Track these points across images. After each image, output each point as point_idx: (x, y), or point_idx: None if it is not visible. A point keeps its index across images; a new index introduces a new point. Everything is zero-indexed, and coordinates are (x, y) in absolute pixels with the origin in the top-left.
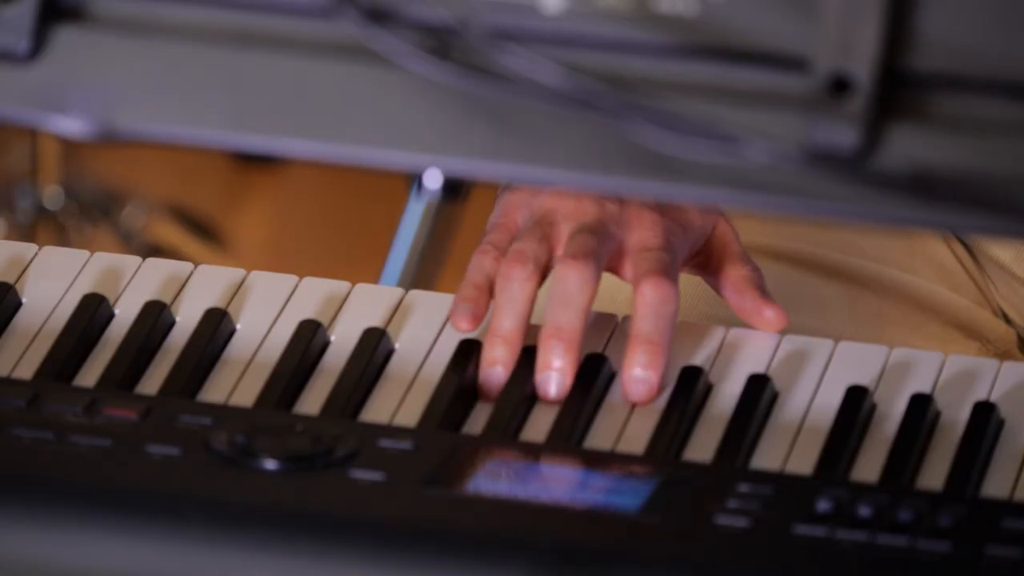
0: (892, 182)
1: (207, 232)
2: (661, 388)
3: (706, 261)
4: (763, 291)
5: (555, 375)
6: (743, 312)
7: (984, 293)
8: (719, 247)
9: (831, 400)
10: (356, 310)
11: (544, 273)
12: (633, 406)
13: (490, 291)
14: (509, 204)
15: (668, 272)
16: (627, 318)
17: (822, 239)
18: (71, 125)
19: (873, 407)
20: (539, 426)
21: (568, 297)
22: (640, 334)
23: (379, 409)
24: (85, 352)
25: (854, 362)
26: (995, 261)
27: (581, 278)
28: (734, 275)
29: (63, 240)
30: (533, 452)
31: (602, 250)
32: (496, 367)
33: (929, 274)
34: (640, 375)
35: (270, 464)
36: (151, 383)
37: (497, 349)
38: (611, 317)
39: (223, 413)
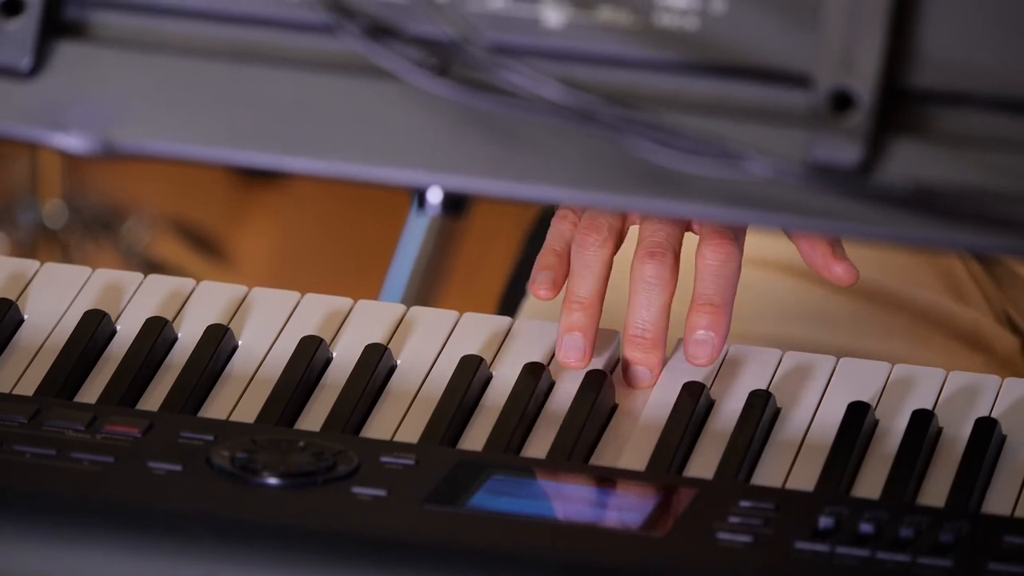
0: (893, 198)
1: (209, 247)
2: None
3: None
4: (836, 246)
5: (643, 370)
6: (813, 264)
7: (988, 298)
8: None
9: (833, 416)
10: (358, 326)
11: (619, 238)
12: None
13: (569, 258)
14: None
15: (729, 230)
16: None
17: None
18: (72, 142)
19: (875, 423)
20: (541, 442)
21: (649, 298)
22: (701, 296)
23: (381, 425)
24: (87, 368)
25: (856, 378)
26: (1011, 271)
27: (659, 275)
28: None
29: (65, 256)
30: (535, 468)
31: (675, 232)
32: (575, 333)
33: (933, 282)
34: (702, 336)
35: (272, 480)
36: (153, 399)
37: (575, 315)
38: (614, 333)
39: (225, 429)
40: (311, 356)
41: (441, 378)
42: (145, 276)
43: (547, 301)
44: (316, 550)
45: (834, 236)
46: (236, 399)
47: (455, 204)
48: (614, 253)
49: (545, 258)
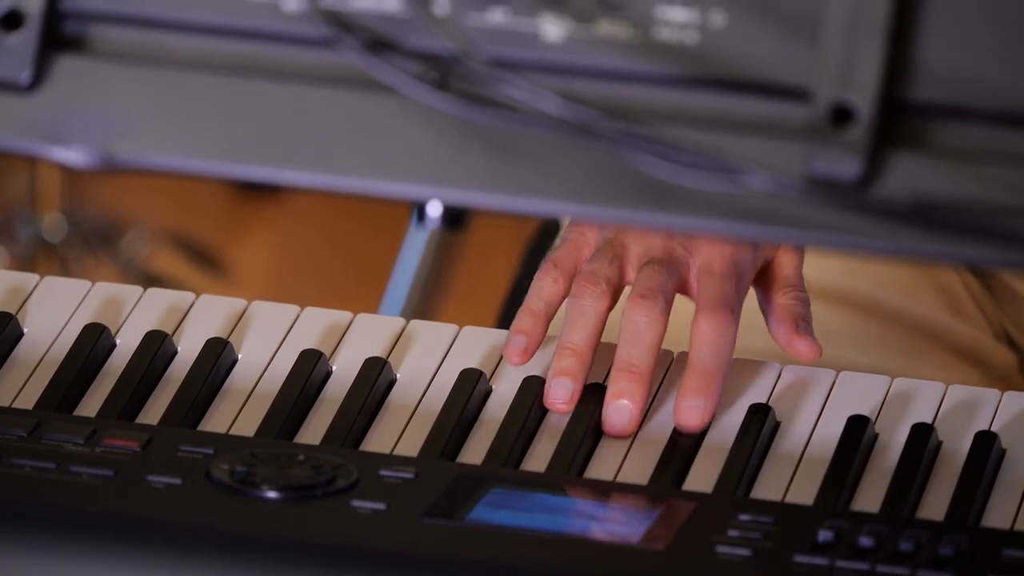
0: (893, 212)
1: (208, 261)
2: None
3: (762, 278)
4: (800, 322)
5: (626, 406)
6: (777, 339)
7: (986, 314)
8: (775, 269)
9: (832, 430)
10: (357, 340)
11: (615, 294)
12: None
13: (547, 319)
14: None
15: (727, 302)
16: (683, 353)
17: (824, 266)
18: (71, 155)
19: (874, 437)
20: (540, 456)
21: (638, 335)
22: (694, 364)
23: (380, 439)
24: (86, 382)
25: (855, 392)
26: (1008, 287)
27: (650, 316)
28: (777, 302)
29: (64, 270)
30: (534, 482)
31: (669, 283)
32: (565, 379)
33: (931, 297)
34: (692, 403)
35: (271, 494)
36: (152, 413)
37: (566, 360)
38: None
39: (224, 443)
40: (311, 370)
41: (440, 392)
42: (144, 290)
43: (603, 308)
44: (315, 564)
45: (803, 306)
46: (236, 413)
47: (455, 218)
48: (610, 308)
49: (521, 320)
